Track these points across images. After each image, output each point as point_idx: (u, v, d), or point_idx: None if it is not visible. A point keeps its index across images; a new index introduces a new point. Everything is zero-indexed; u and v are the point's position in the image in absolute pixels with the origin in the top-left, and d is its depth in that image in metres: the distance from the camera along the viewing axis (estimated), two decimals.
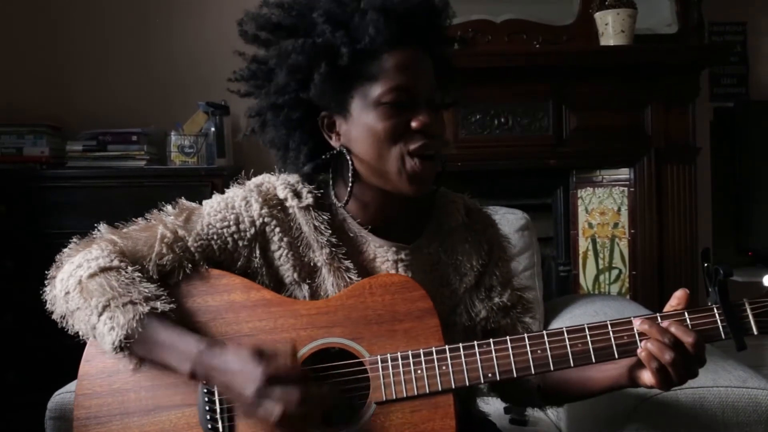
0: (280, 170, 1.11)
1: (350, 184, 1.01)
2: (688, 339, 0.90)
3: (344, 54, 0.95)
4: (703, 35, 2.60)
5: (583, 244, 2.61)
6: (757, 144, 2.70)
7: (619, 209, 2.58)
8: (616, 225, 2.59)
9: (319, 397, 0.90)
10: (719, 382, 1.21)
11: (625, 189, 2.57)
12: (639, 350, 0.92)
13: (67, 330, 0.98)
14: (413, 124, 0.97)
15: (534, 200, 2.64)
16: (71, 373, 1.25)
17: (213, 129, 2.55)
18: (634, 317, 0.94)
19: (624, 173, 2.57)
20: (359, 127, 0.99)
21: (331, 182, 1.09)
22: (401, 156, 0.97)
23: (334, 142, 1.03)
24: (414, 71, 0.98)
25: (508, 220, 1.86)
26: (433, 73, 1.01)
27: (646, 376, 0.93)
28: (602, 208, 2.60)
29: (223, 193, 1.07)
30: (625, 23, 2.44)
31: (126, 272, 0.96)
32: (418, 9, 0.98)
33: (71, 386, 1.30)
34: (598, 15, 2.49)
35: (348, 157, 1.01)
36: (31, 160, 2.48)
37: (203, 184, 2.35)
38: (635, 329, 0.93)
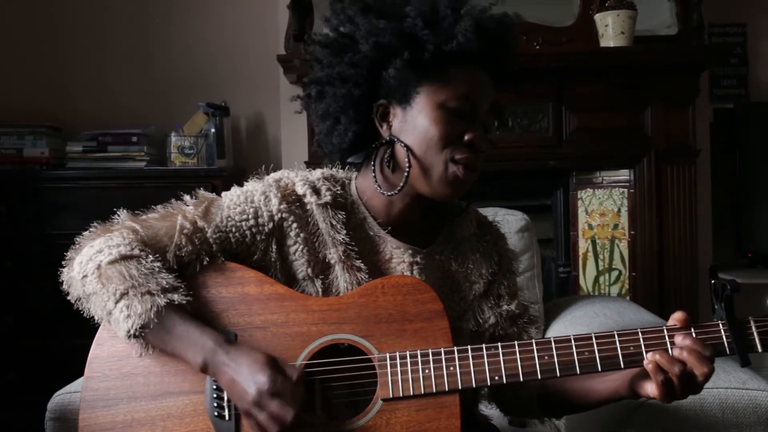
0: (319, 146, 1.13)
1: (407, 170, 1.02)
2: (705, 352, 0.91)
3: (429, 50, 0.99)
4: (703, 37, 2.59)
5: (583, 245, 2.61)
6: (757, 145, 2.70)
7: (619, 210, 2.58)
8: (616, 226, 2.59)
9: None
10: (719, 383, 1.21)
11: (625, 190, 2.57)
12: (645, 362, 0.92)
13: (83, 312, 0.99)
14: (467, 136, 1.01)
15: (534, 201, 2.64)
16: (71, 374, 1.26)
17: (213, 130, 2.55)
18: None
19: (624, 174, 2.57)
20: (415, 122, 1.02)
21: (355, 177, 1.12)
22: (446, 161, 1.01)
23: (384, 131, 1.06)
24: (481, 89, 1.04)
25: (508, 221, 1.86)
26: (493, 98, 1.06)
27: (650, 388, 0.94)
28: (602, 209, 2.60)
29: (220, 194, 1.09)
30: (625, 24, 2.44)
31: (146, 262, 0.97)
32: (502, 37, 1.05)
33: (71, 387, 1.30)
34: (598, 16, 2.49)
35: (402, 144, 1.02)
36: (31, 161, 2.49)
37: (203, 185, 2.33)
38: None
